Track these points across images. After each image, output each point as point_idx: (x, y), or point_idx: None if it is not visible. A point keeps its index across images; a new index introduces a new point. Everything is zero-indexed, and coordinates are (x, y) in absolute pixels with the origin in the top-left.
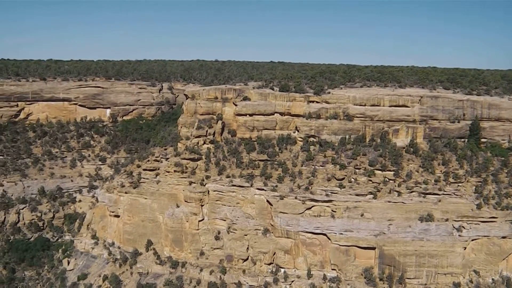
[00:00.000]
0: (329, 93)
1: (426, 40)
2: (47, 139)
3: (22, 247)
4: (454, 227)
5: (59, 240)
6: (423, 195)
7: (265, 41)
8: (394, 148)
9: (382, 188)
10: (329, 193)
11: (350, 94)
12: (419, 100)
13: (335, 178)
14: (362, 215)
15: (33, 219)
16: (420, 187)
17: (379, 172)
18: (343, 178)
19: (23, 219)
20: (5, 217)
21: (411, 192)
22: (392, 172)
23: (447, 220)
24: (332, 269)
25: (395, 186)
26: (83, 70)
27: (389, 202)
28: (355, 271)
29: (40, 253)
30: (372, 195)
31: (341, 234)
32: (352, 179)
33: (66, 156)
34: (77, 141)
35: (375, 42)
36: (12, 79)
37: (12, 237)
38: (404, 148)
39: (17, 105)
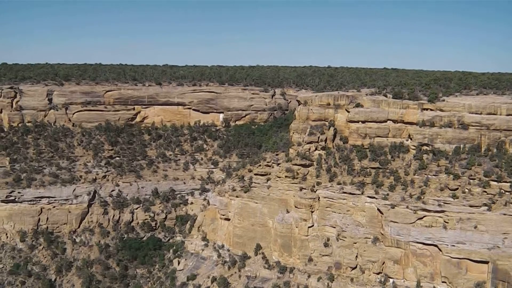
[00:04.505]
0: (443, 100)
1: None
2: (161, 142)
3: (135, 246)
4: None
5: (171, 240)
6: None
7: (379, 47)
8: (511, 159)
9: (497, 200)
10: (442, 204)
11: (466, 102)
12: None
13: (448, 188)
14: (475, 227)
15: (146, 219)
16: None
17: (495, 183)
18: (457, 189)
19: (137, 218)
20: (119, 216)
21: None
22: (509, 184)
23: None
24: (443, 282)
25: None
26: (197, 75)
27: (504, 214)
28: (466, 285)
29: (152, 252)
30: (486, 207)
31: (453, 246)
32: (466, 190)
33: (179, 159)
34: (190, 145)
35: (493, 49)
36: (129, 84)
37: (126, 236)
38: None
39: (133, 109)
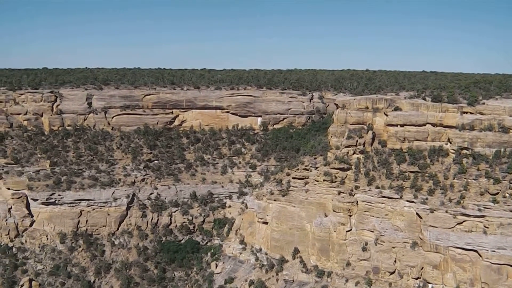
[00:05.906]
0: (483, 104)
1: None
2: (199, 146)
3: (173, 248)
4: None
5: (208, 243)
6: None
7: (417, 50)
8: None
9: None
10: (482, 208)
11: (506, 105)
12: None
13: (488, 192)
14: None
15: (184, 222)
16: None
17: None
18: (497, 193)
19: (175, 221)
20: (158, 219)
21: None
22: None
23: None
24: None
25: None
26: (235, 79)
27: None
28: None
29: (190, 255)
30: None
31: (494, 251)
32: (507, 194)
33: (217, 163)
34: (228, 148)
35: None
36: (167, 88)
37: (164, 238)
38: None
39: (172, 112)
